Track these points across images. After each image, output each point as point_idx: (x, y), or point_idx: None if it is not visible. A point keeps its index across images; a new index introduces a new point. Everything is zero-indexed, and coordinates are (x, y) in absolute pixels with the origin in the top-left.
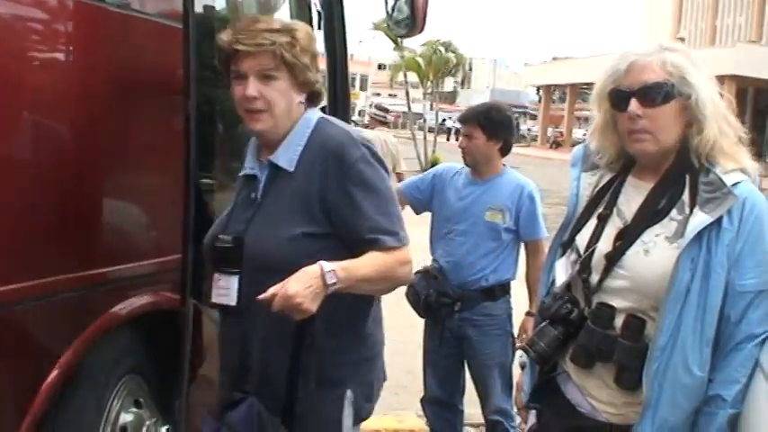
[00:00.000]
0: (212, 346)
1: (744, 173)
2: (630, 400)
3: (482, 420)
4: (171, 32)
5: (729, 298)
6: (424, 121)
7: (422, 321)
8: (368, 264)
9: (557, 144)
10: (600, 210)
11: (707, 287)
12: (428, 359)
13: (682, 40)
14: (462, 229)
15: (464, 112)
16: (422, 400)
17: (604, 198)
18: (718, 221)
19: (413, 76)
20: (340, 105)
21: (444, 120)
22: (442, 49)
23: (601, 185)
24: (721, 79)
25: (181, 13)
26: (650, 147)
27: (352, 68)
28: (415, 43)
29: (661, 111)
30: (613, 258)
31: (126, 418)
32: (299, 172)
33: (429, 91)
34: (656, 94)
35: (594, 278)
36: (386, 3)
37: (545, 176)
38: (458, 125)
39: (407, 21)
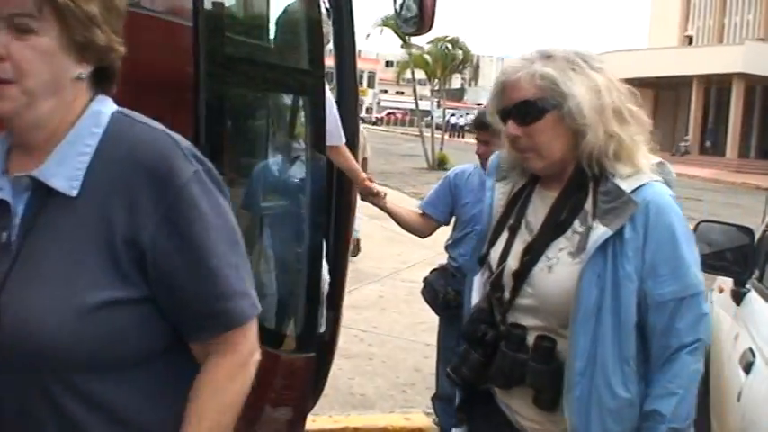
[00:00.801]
0: None
1: (646, 174)
2: (553, 419)
3: None
4: (181, 30)
5: (652, 309)
6: (432, 118)
7: (429, 319)
8: (206, 420)
9: None
10: (511, 221)
11: (618, 303)
12: (442, 357)
13: (689, 38)
14: (481, 229)
15: (479, 118)
16: (433, 398)
17: (515, 208)
18: (621, 232)
19: (420, 74)
20: (348, 103)
21: (449, 117)
22: (450, 45)
23: (512, 195)
24: (729, 77)
25: (191, 10)
26: (537, 163)
27: (360, 65)
28: (422, 40)
29: (536, 128)
30: (520, 276)
31: None
32: (88, 198)
33: (437, 88)
34: (525, 111)
35: (506, 297)
36: (394, 1)
37: None
38: (461, 122)
39: (416, 19)
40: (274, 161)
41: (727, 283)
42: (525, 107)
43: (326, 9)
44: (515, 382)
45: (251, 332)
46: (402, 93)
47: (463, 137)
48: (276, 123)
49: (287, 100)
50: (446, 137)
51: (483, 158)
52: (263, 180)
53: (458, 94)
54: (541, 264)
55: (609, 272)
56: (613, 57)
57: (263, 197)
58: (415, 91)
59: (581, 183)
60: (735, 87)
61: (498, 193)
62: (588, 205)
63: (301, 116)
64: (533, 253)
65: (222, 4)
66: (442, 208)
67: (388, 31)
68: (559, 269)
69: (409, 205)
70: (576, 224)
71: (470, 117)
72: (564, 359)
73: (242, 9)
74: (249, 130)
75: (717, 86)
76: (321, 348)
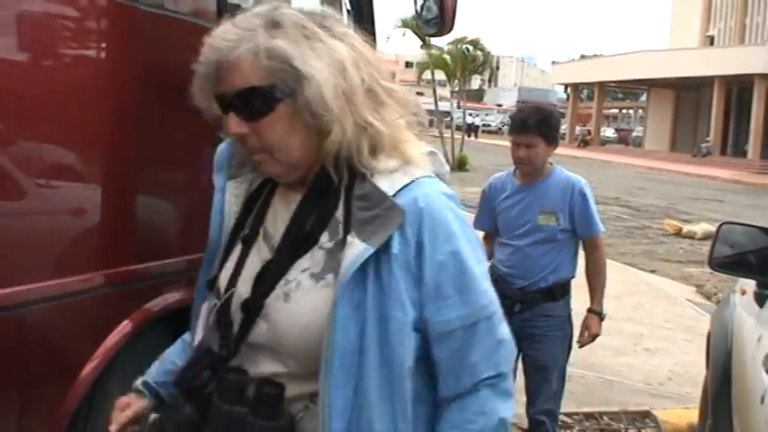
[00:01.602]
0: None
1: (414, 166)
2: None
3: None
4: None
5: (436, 342)
6: (452, 119)
7: None
8: None
9: (585, 143)
10: (245, 231)
11: (387, 340)
12: None
13: (711, 38)
14: (518, 234)
15: (519, 122)
16: None
17: (251, 214)
18: (386, 247)
19: (440, 74)
20: None
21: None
22: (470, 47)
23: (248, 196)
24: (751, 78)
25: (214, 12)
26: (273, 168)
27: None
28: (442, 41)
29: (264, 123)
30: (251, 306)
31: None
32: None
33: (456, 89)
34: (248, 104)
35: (234, 334)
36: (415, 2)
37: None
38: (477, 121)
39: (436, 20)
40: None
41: (749, 285)
42: (249, 96)
43: (347, 10)
44: None
45: None
46: (422, 94)
47: (477, 136)
48: None
49: None
50: (460, 136)
51: (525, 161)
52: None
53: (477, 95)
54: (279, 290)
55: (371, 300)
56: (635, 57)
57: None
58: (434, 92)
59: (328, 183)
60: (756, 88)
61: (230, 195)
62: (340, 212)
63: None
64: (270, 275)
65: (240, 6)
66: (490, 220)
67: (409, 33)
68: (299, 297)
69: None
70: (324, 238)
71: (489, 117)
72: (296, 413)
73: None
74: None
75: (738, 87)
76: None
